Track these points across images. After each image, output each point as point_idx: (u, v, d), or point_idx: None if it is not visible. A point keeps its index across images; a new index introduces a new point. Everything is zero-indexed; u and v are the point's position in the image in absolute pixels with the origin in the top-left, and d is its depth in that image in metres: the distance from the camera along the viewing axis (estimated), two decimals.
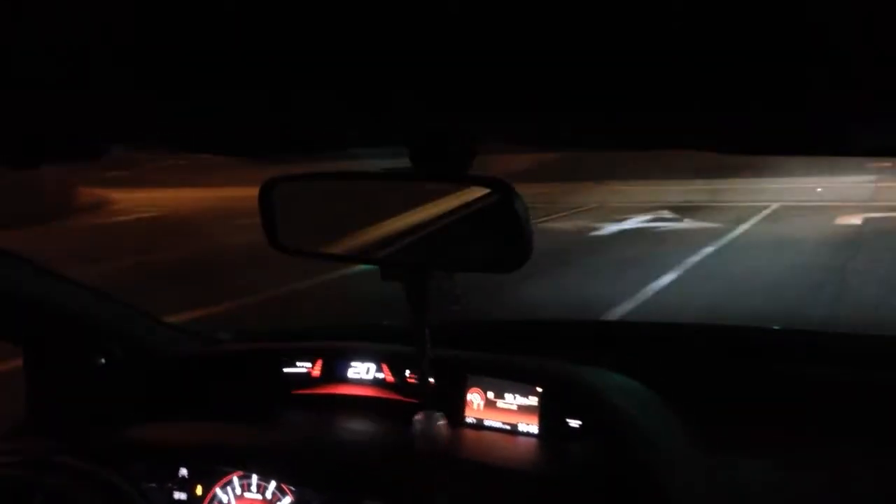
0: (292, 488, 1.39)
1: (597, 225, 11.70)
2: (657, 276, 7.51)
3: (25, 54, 0.61)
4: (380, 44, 0.56)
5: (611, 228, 11.37)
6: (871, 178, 15.55)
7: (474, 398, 1.48)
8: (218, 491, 1.44)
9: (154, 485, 1.46)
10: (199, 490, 1.45)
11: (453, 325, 1.83)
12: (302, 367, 1.63)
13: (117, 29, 0.57)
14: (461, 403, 1.48)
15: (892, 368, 1.45)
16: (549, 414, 1.41)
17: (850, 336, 1.74)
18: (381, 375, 1.57)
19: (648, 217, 12.31)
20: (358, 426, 1.50)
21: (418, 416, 1.30)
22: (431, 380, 1.50)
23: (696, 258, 8.60)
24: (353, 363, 1.59)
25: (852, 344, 1.64)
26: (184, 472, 1.46)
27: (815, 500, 1.22)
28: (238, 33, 0.56)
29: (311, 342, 1.74)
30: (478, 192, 1.02)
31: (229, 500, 1.43)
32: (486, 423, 1.46)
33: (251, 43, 0.57)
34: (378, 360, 1.57)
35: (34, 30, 0.57)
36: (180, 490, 1.46)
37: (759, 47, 0.49)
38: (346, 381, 1.60)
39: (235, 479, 1.43)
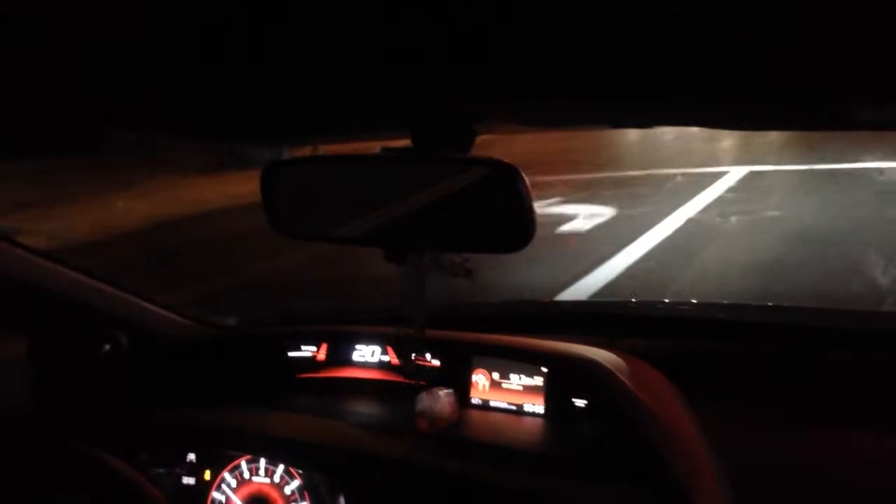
0: (300, 472, 1.39)
1: None
2: None
3: (24, 44, 0.61)
4: (379, 25, 0.56)
5: None
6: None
7: (479, 379, 1.48)
8: (226, 475, 1.45)
9: (163, 470, 1.47)
10: (207, 475, 1.45)
11: (458, 306, 1.83)
12: (307, 351, 1.64)
13: (115, 15, 0.57)
14: (467, 385, 1.48)
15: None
16: (554, 394, 1.41)
17: (850, 313, 1.74)
18: (385, 358, 1.57)
19: None
20: (364, 409, 1.51)
21: (423, 394, 1.33)
22: (436, 361, 1.52)
23: None
24: (357, 346, 1.60)
25: (854, 322, 1.63)
26: (192, 457, 1.47)
27: (823, 477, 1.23)
28: (234, 17, 0.56)
29: (316, 326, 1.74)
30: (481, 173, 1.02)
31: (238, 485, 1.44)
32: (492, 403, 1.46)
33: (247, 26, 0.57)
34: (383, 343, 1.58)
35: (31, 19, 0.57)
36: (189, 475, 1.46)
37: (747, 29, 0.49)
38: (351, 364, 1.60)
39: (244, 464, 1.44)
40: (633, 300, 2.43)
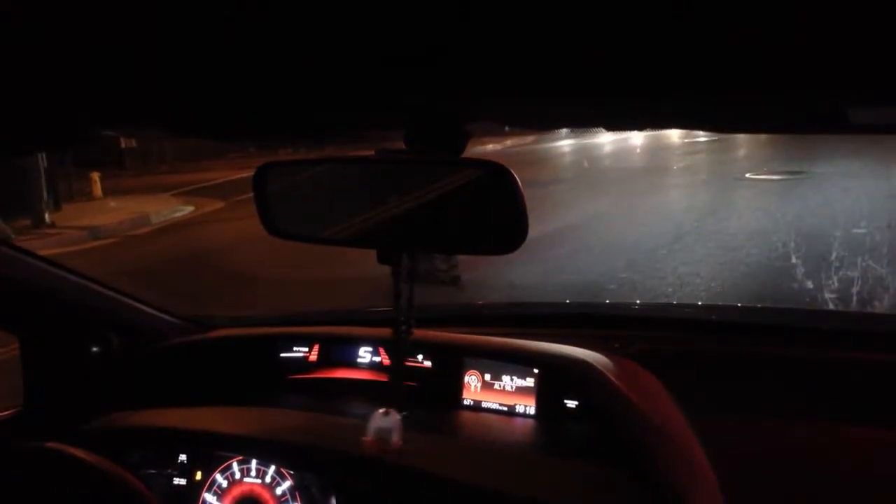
0: (291, 472, 1.39)
1: None
2: None
3: (16, 41, 0.61)
4: (380, 25, 0.56)
5: None
6: None
7: (471, 380, 1.48)
8: (217, 476, 1.44)
9: (153, 471, 1.46)
10: (198, 475, 1.45)
11: (450, 307, 1.84)
12: (299, 352, 1.63)
13: (109, 11, 0.56)
14: (458, 386, 1.48)
15: (883, 348, 1.46)
16: (546, 395, 1.42)
17: (846, 314, 1.75)
18: (377, 359, 1.57)
19: None
20: (355, 410, 1.51)
21: (378, 412, 1.21)
22: (428, 362, 1.51)
23: None
24: (350, 348, 1.60)
25: (849, 323, 1.65)
26: (183, 458, 1.46)
27: (816, 476, 1.23)
28: (234, 16, 0.56)
29: (308, 327, 1.74)
30: (474, 174, 1.02)
31: (229, 485, 1.44)
32: (484, 404, 1.46)
33: (247, 25, 0.57)
34: (375, 344, 1.57)
35: (25, 17, 0.56)
36: (180, 476, 1.46)
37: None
38: (343, 365, 1.60)
39: (235, 464, 1.43)
40: (626, 302, 2.44)
